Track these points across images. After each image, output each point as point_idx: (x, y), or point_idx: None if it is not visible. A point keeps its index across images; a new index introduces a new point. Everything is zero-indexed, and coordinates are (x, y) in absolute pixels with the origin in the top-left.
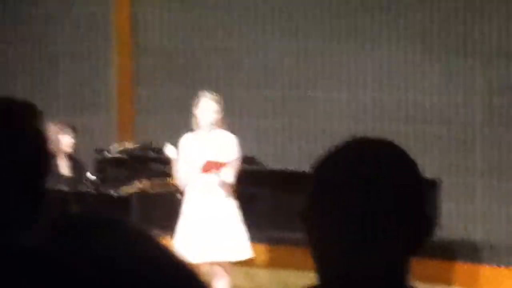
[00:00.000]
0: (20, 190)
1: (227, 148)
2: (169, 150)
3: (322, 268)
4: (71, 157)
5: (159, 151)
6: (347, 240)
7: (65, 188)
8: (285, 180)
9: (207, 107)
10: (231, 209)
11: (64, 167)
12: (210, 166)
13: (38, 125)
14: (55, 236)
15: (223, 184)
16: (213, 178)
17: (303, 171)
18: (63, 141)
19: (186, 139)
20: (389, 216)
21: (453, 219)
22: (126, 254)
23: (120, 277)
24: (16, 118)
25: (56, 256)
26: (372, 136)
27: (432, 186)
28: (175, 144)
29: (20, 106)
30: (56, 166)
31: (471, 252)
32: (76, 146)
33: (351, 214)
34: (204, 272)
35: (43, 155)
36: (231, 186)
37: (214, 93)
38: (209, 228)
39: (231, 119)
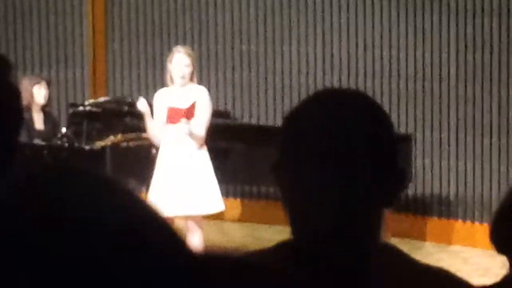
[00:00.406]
0: None
1: (198, 101)
2: (141, 104)
3: (295, 222)
4: (45, 111)
5: (133, 105)
6: (318, 193)
7: (39, 142)
8: (258, 135)
9: (179, 61)
10: (203, 162)
11: (38, 121)
12: (174, 114)
13: (8, 77)
14: (21, 188)
15: (192, 135)
16: (181, 129)
17: (277, 126)
18: (37, 94)
19: (158, 95)
20: (361, 168)
21: (426, 175)
22: (97, 205)
23: (89, 229)
24: None
25: (20, 208)
26: (344, 88)
27: (405, 141)
28: (148, 99)
29: None
30: (30, 120)
31: (444, 207)
32: (51, 100)
33: (323, 166)
34: (178, 226)
35: (14, 108)
36: (201, 138)
37: (187, 47)
38: (181, 182)
39: (205, 74)
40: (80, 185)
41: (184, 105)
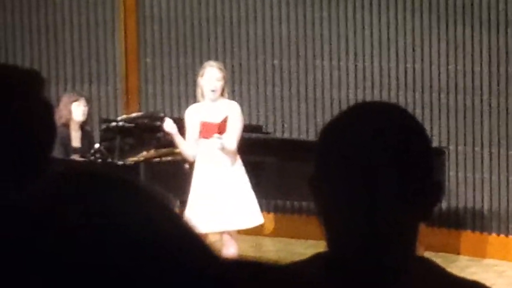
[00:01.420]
0: (22, 161)
1: (230, 115)
2: (167, 124)
3: (331, 235)
4: (83, 129)
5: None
6: (353, 206)
7: (75, 158)
8: (292, 149)
9: (211, 75)
10: (239, 176)
11: (76, 139)
12: (207, 128)
13: (41, 92)
14: (51, 192)
15: (224, 149)
16: (214, 143)
17: (309, 140)
18: (75, 111)
19: (190, 110)
20: (398, 182)
21: (459, 188)
22: (129, 214)
23: (120, 238)
24: (19, 86)
25: (49, 213)
26: (379, 101)
27: (438, 154)
28: (181, 114)
29: (23, 74)
30: (68, 137)
31: (478, 221)
32: (90, 118)
33: (359, 181)
34: (213, 241)
35: (46, 123)
36: (233, 152)
37: (218, 62)
38: (217, 197)
39: (237, 89)
40: (108, 192)
41: (217, 119)
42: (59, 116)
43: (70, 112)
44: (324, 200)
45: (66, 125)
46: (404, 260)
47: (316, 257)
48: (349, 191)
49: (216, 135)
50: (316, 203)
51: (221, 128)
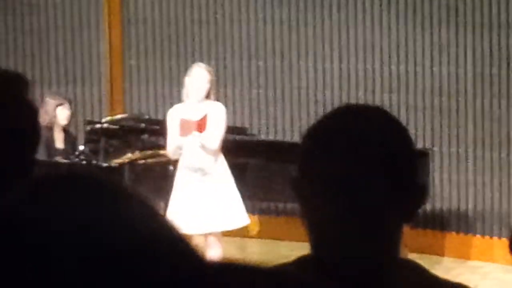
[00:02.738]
0: (6, 163)
1: (212, 115)
2: None
3: (315, 237)
4: (66, 130)
5: (150, 122)
6: (338, 209)
7: (58, 159)
8: (276, 151)
9: (198, 76)
10: (224, 177)
11: (59, 140)
12: (185, 125)
13: (25, 95)
14: (32, 195)
15: (204, 148)
16: (195, 143)
17: (294, 141)
18: (60, 115)
19: (172, 110)
20: (381, 184)
21: (444, 190)
22: (112, 216)
23: (102, 240)
24: (3, 88)
25: (31, 216)
26: (362, 104)
27: (423, 156)
28: (165, 116)
29: (7, 76)
30: (51, 139)
31: (462, 222)
32: (71, 119)
33: (342, 182)
34: (197, 243)
35: (30, 125)
36: (214, 152)
37: (208, 66)
38: (201, 198)
39: (222, 90)
40: (90, 193)
41: (197, 117)
42: (43, 118)
43: (55, 115)
44: (307, 202)
45: (49, 127)
46: (388, 262)
47: (301, 259)
48: (332, 193)
49: (195, 132)
50: (299, 205)
51: (200, 125)
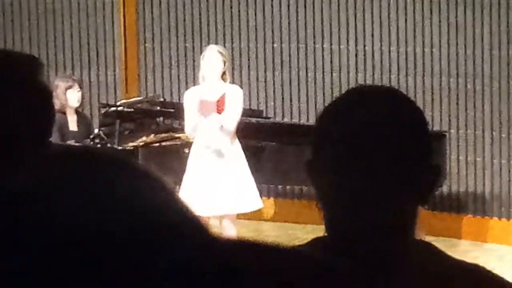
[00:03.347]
0: (21, 147)
1: (230, 96)
2: None
3: (330, 219)
4: (78, 112)
5: (165, 104)
6: (352, 190)
7: (72, 143)
8: (292, 133)
9: (210, 57)
10: (238, 160)
11: (72, 123)
12: (205, 106)
13: (39, 77)
14: (47, 173)
15: (222, 129)
16: (213, 123)
17: (309, 124)
18: (71, 98)
19: (189, 92)
20: (396, 165)
21: (460, 172)
22: (128, 194)
23: (119, 217)
24: (17, 71)
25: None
26: (376, 85)
27: (439, 138)
28: (180, 98)
29: (21, 59)
30: (64, 121)
31: (479, 205)
32: (83, 101)
33: (357, 163)
34: (211, 225)
35: (45, 108)
36: (231, 133)
37: (220, 46)
38: (215, 181)
39: (237, 72)
40: (106, 171)
41: (214, 99)
42: (55, 102)
43: (66, 98)
44: (322, 184)
45: (62, 111)
46: (403, 243)
47: (315, 241)
48: (346, 175)
49: (215, 113)
50: (314, 187)
51: (219, 106)
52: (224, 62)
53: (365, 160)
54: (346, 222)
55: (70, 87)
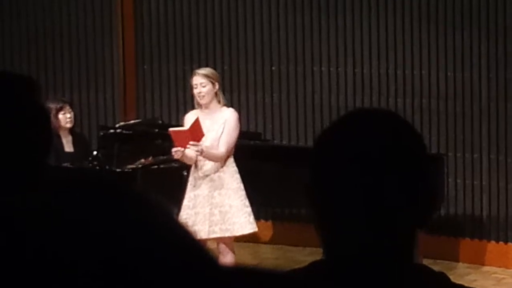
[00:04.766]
0: (19, 168)
1: (222, 122)
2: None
3: (327, 243)
4: (74, 133)
5: (164, 127)
6: (351, 215)
7: (69, 164)
8: (290, 155)
9: (195, 81)
10: (232, 184)
11: (67, 144)
12: (177, 136)
13: (37, 99)
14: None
15: (208, 155)
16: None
17: (308, 146)
18: (63, 120)
19: (190, 114)
20: (393, 190)
21: (458, 195)
22: (127, 220)
23: (117, 243)
24: (15, 92)
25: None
26: (375, 108)
27: (437, 161)
28: (178, 121)
29: (19, 80)
30: (59, 143)
31: (477, 228)
32: (76, 121)
33: (354, 187)
34: (209, 248)
35: (42, 130)
36: (221, 158)
37: (206, 68)
38: (210, 204)
39: (235, 95)
40: (104, 198)
41: (212, 129)
42: None
43: (58, 120)
44: (320, 207)
45: (55, 133)
46: (401, 267)
47: (313, 264)
48: (344, 198)
49: (192, 142)
50: (312, 210)
51: (193, 133)
52: (211, 83)
53: (363, 184)
54: (343, 246)
55: (61, 109)
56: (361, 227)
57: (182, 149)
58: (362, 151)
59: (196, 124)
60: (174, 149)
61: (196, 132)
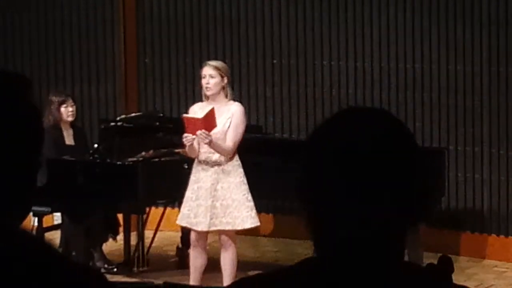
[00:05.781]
0: (8, 166)
1: (228, 116)
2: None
3: (318, 239)
4: (75, 127)
5: (165, 120)
6: (341, 210)
7: (70, 158)
8: (291, 149)
9: (205, 72)
10: (236, 176)
11: (68, 137)
12: (189, 123)
13: (28, 97)
14: None
15: (216, 147)
16: (200, 139)
17: None
18: (65, 113)
19: (196, 107)
20: (386, 186)
21: (459, 189)
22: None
23: None
24: (5, 90)
25: None
26: (365, 106)
27: (438, 155)
28: (179, 114)
29: (9, 78)
30: (60, 136)
31: (477, 221)
32: (78, 115)
33: (346, 183)
34: (211, 241)
35: (33, 128)
36: (228, 152)
37: (218, 61)
38: (213, 197)
39: (237, 88)
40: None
41: (218, 122)
42: (49, 118)
43: (60, 114)
44: (311, 204)
45: (57, 126)
46: (394, 264)
47: (306, 261)
48: (335, 195)
49: (202, 131)
50: (303, 207)
51: (205, 123)
52: (220, 76)
53: (353, 180)
54: (334, 243)
55: (63, 102)
56: (351, 224)
57: (193, 136)
58: (353, 148)
59: (211, 114)
60: (185, 135)
61: (209, 122)
